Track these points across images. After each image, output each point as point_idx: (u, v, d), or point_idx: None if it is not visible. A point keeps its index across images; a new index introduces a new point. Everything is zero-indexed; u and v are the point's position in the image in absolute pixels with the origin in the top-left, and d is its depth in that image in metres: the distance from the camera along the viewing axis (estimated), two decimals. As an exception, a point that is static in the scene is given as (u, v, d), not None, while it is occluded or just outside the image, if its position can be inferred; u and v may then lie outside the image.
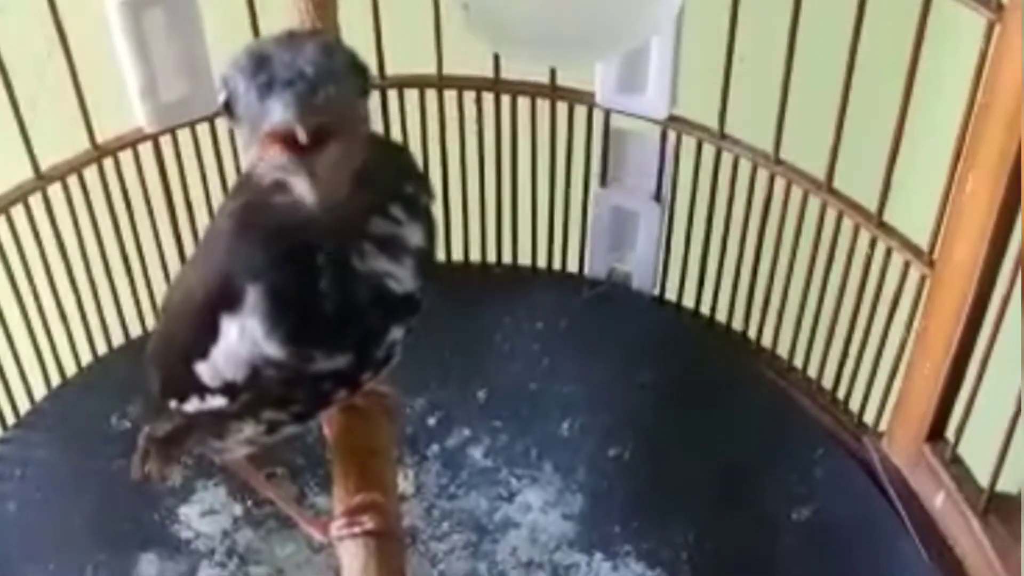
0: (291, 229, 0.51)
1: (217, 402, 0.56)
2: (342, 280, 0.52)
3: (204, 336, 0.54)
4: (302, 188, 0.49)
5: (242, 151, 0.52)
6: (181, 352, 0.57)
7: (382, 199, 0.54)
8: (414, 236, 0.55)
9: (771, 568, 0.76)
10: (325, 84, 0.48)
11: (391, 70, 0.84)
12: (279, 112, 0.47)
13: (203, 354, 0.55)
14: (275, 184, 0.50)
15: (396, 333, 0.55)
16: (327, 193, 0.49)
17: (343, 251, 0.52)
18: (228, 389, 0.55)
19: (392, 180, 0.55)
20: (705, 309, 0.89)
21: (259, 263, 0.52)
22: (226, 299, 0.53)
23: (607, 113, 0.84)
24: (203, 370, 0.55)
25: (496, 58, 0.83)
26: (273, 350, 0.53)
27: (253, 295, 0.52)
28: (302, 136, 0.47)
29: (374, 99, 0.82)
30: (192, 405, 0.58)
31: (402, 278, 0.54)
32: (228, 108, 0.49)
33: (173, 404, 0.59)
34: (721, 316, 0.89)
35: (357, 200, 0.51)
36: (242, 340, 0.53)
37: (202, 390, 0.56)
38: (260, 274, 0.52)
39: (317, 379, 0.55)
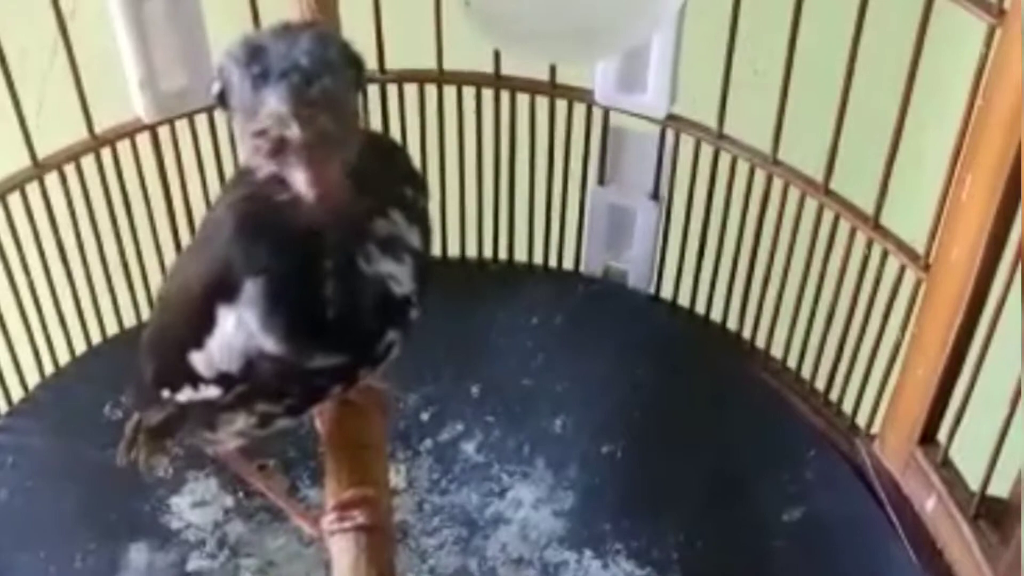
0: (296, 230, 0.51)
1: (210, 392, 0.56)
2: (348, 284, 0.52)
3: (200, 326, 0.54)
4: (300, 183, 0.49)
5: (239, 141, 0.52)
6: (176, 341, 0.56)
7: (383, 202, 0.54)
8: (413, 238, 0.55)
9: (761, 569, 0.76)
10: (320, 76, 0.48)
11: (391, 64, 0.84)
12: (273, 103, 0.47)
13: (198, 344, 0.55)
14: (274, 179, 0.50)
15: (393, 335, 0.55)
16: (325, 188, 0.49)
17: (349, 254, 0.52)
18: (222, 380, 0.55)
19: (390, 183, 0.55)
20: (700, 308, 0.89)
21: (262, 259, 0.52)
22: (224, 290, 0.53)
23: (606, 111, 0.84)
24: (198, 360, 0.55)
25: (496, 54, 0.83)
26: (271, 345, 0.53)
27: (252, 288, 0.52)
28: (295, 132, 0.47)
29: (374, 93, 0.84)
30: (185, 395, 0.58)
31: (403, 280, 0.54)
32: (222, 99, 0.49)
33: (166, 393, 0.59)
34: (716, 316, 0.89)
35: (360, 202, 0.51)
36: (238, 331, 0.53)
37: (196, 380, 0.56)
38: (262, 270, 0.52)
39: (313, 374, 0.55)
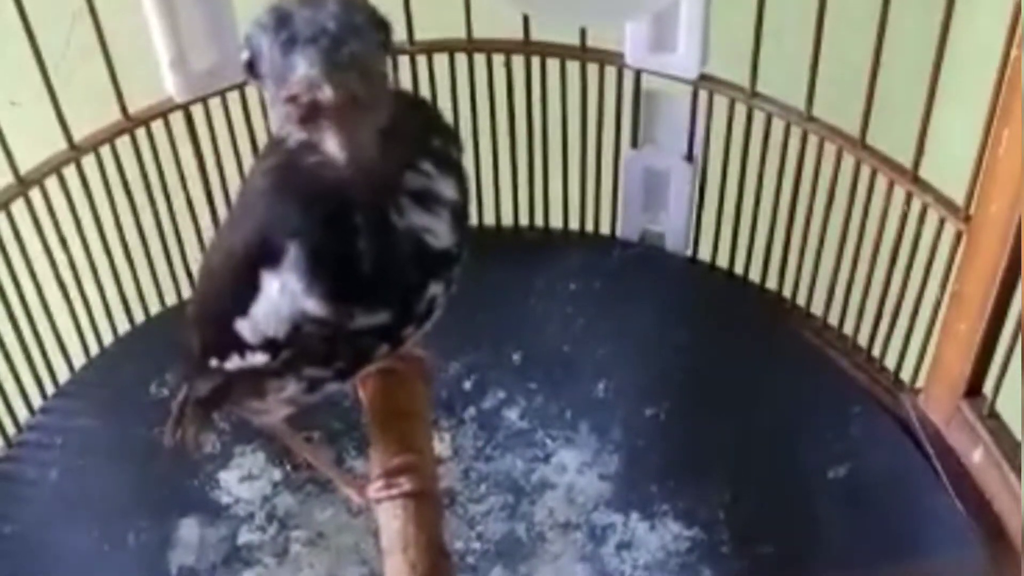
0: (328, 188, 0.52)
1: (258, 359, 0.57)
2: (381, 237, 0.53)
3: (244, 293, 0.55)
4: (331, 147, 0.50)
5: (270, 109, 0.52)
6: (222, 309, 0.57)
7: (412, 154, 0.54)
8: (447, 190, 0.55)
9: (808, 526, 0.76)
10: (348, 39, 0.48)
11: (419, 35, 0.84)
12: (303, 68, 0.48)
13: (243, 311, 0.55)
14: (306, 145, 0.51)
15: (435, 288, 0.56)
16: (357, 150, 0.50)
17: (381, 208, 0.53)
18: (269, 346, 0.56)
19: (420, 135, 0.55)
20: (739, 269, 0.89)
21: (297, 222, 0.52)
22: (266, 255, 0.53)
23: (637, 73, 0.83)
24: (244, 327, 0.56)
25: (525, 20, 0.83)
26: (313, 307, 0.53)
27: (293, 252, 0.52)
28: (327, 94, 0.47)
29: (403, 65, 0.84)
30: (233, 363, 0.58)
31: (439, 233, 0.54)
32: (251, 68, 0.50)
33: (214, 363, 0.60)
34: (755, 276, 0.89)
35: (389, 156, 0.52)
36: (283, 296, 0.53)
37: (243, 347, 0.57)
38: (299, 233, 0.52)
39: (358, 335, 0.55)
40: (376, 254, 0.53)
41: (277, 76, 0.49)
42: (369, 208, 0.52)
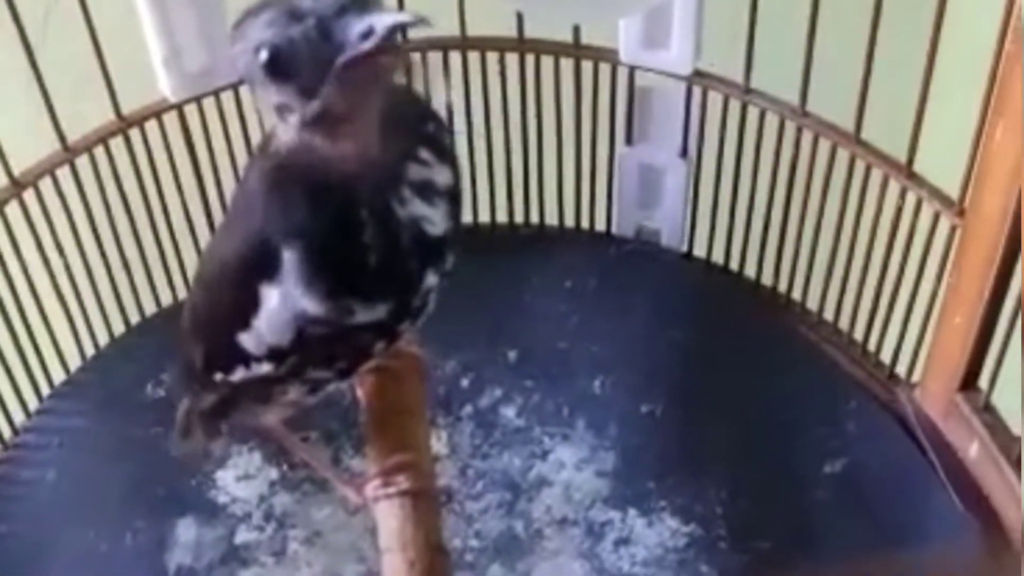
0: (330, 185, 0.52)
1: (263, 368, 0.56)
2: (385, 229, 0.53)
3: (244, 307, 0.54)
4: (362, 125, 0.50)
5: (265, 112, 0.52)
6: (222, 324, 0.57)
7: (411, 143, 0.54)
8: (442, 176, 0.55)
9: (805, 521, 0.76)
10: (366, 3, 0.48)
11: (413, 33, 0.83)
12: (359, 26, 0.47)
13: (245, 324, 0.55)
14: (304, 143, 0.51)
15: (432, 279, 0.56)
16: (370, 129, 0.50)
17: (385, 199, 0.53)
18: (274, 354, 0.55)
19: (414, 122, 0.55)
20: (734, 265, 0.89)
21: (299, 221, 0.52)
22: (263, 266, 0.53)
23: (631, 70, 0.83)
24: (246, 340, 0.55)
25: (519, 18, 0.83)
26: (314, 307, 0.53)
27: (291, 256, 0.52)
28: (406, 19, 0.47)
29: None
30: (238, 375, 0.58)
31: (436, 221, 0.54)
32: (273, 66, 0.49)
33: (219, 376, 0.60)
34: (750, 271, 0.89)
35: (390, 147, 0.52)
36: (284, 305, 0.53)
37: (247, 359, 0.56)
38: (300, 232, 0.52)
39: (357, 331, 0.55)
40: (381, 246, 0.52)
41: (321, 59, 0.48)
42: (374, 200, 0.52)
